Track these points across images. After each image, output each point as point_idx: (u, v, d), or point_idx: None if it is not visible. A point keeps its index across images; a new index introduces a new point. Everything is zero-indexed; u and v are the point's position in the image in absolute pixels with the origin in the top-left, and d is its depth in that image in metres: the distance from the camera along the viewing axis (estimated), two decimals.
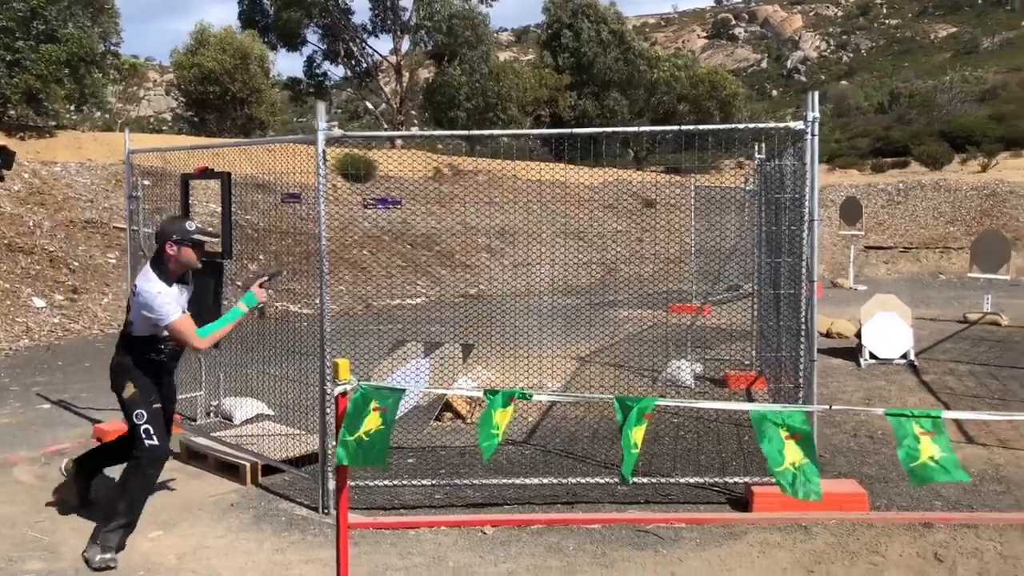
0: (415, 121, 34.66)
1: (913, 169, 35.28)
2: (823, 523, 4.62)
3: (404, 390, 3.00)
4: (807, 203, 4.82)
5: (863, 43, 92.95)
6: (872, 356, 9.00)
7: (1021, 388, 7.75)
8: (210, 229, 4.69)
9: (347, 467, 3.14)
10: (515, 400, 2.88)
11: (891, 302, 9.38)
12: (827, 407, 3.89)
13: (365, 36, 30.50)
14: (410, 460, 5.91)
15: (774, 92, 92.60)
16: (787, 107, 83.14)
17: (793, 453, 2.71)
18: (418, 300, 15.85)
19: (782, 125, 5.10)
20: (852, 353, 9.29)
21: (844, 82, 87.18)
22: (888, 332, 9.03)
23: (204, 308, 5.06)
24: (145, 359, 4.53)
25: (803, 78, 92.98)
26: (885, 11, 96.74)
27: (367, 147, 20.32)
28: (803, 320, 4.88)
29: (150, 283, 4.34)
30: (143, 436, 4.38)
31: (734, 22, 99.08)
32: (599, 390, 7.80)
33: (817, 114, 4.78)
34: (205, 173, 5.55)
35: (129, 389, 4.46)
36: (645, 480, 5.24)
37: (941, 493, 5.10)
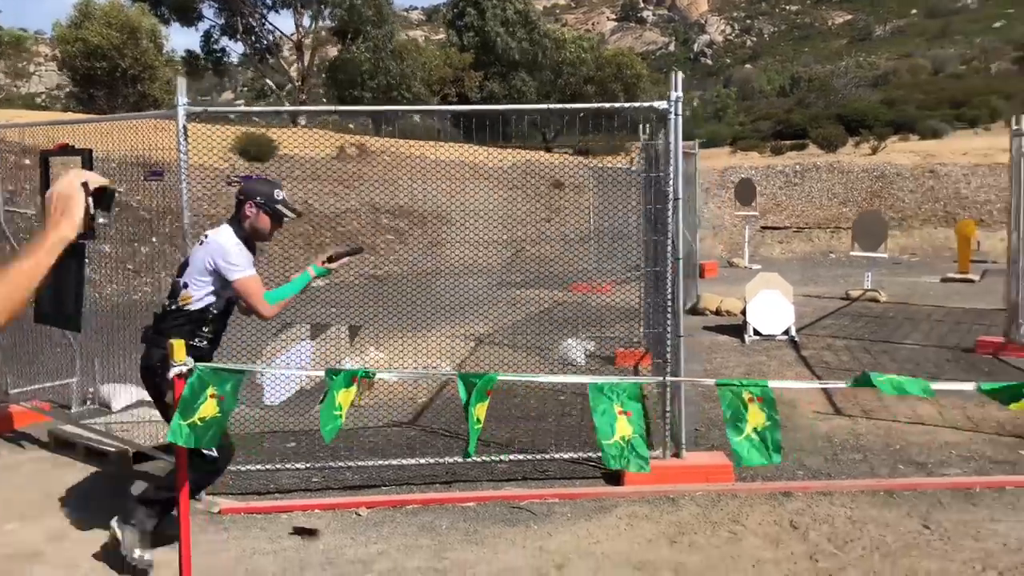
0: (323, 100, 33.93)
1: (811, 151, 36.53)
2: (690, 495, 4.77)
3: (244, 373, 2.94)
4: (671, 183, 4.92)
5: (766, 28, 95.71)
6: (756, 333, 9.32)
7: (891, 361, 8.16)
8: (296, 206, 4.23)
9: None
10: (362, 380, 2.85)
11: (774, 280, 9.72)
12: (661, 379, 4.00)
13: (265, 11, 29.63)
14: (291, 444, 5.83)
15: (682, 75, 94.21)
16: (695, 89, 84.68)
17: (624, 427, 2.79)
18: (318, 282, 15.56)
19: (646, 104, 5.19)
20: (738, 330, 9.60)
21: (748, 66, 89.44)
22: (771, 309, 9.36)
23: (65, 292, 4.83)
24: (190, 346, 3.73)
25: (709, 61, 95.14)
26: None
27: (267, 126, 19.79)
28: (668, 298, 5.00)
29: (223, 235, 3.93)
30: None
31: (642, 5, 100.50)
32: (486, 369, 7.83)
33: (680, 94, 4.89)
34: (65, 150, 5.27)
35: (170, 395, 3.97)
36: (523, 457, 5.31)
37: (805, 463, 5.33)
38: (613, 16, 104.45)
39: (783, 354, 8.58)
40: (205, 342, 3.98)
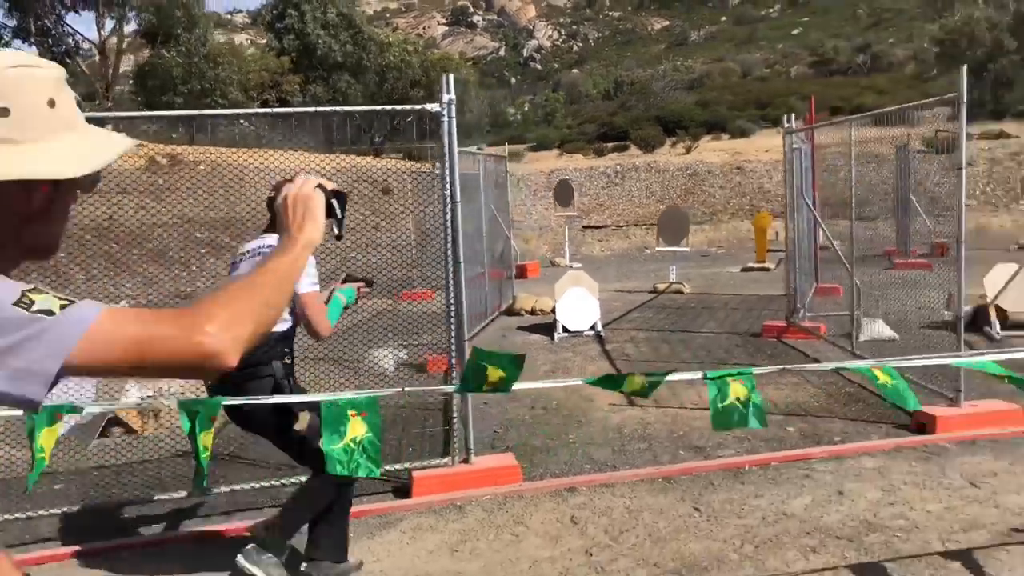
0: (133, 107, 31.83)
1: (631, 152, 38.14)
2: (477, 500, 4.77)
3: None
4: (447, 185, 4.91)
5: (591, 33, 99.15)
6: (565, 330, 9.54)
7: (686, 350, 8.56)
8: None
9: None
10: (62, 416, 2.62)
11: (581, 278, 9.99)
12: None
13: (63, 12, 27.51)
14: (58, 486, 5.36)
15: (513, 80, 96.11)
16: (526, 94, 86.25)
17: (356, 428, 2.73)
18: (122, 303, 14.59)
19: (418, 107, 5.15)
20: (550, 329, 9.79)
21: (575, 71, 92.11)
22: (578, 307, 9.61)
23: None
24: (285, 365, 3.64)
25: (539, 66, 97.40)
26: (608, 3, 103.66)
27: None
28: (450, 303, 4.98)
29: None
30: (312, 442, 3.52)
31: (472, 10, 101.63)
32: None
33: (452, 97, 4.88)
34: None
35: (303, 420, 3.58)
36: (287, 481, 5.12)
37: (593, 456, 5.47)
38: (444, 21, 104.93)
39: (588, 349, 8.82)
40: (291, 361, 3.73)
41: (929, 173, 24.56)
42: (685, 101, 54.65)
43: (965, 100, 5.61)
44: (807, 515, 4.32)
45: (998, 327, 8.26)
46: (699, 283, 13.25)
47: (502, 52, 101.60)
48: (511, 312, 11.27)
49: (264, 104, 29.87)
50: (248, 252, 3.71)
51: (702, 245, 21.47)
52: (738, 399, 3.45)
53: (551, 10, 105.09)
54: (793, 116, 9.39)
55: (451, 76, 4.95)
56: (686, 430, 5.89)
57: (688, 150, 33.96)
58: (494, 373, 3.35)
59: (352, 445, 2.73)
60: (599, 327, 9.56)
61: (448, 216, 4.92)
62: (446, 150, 4.86)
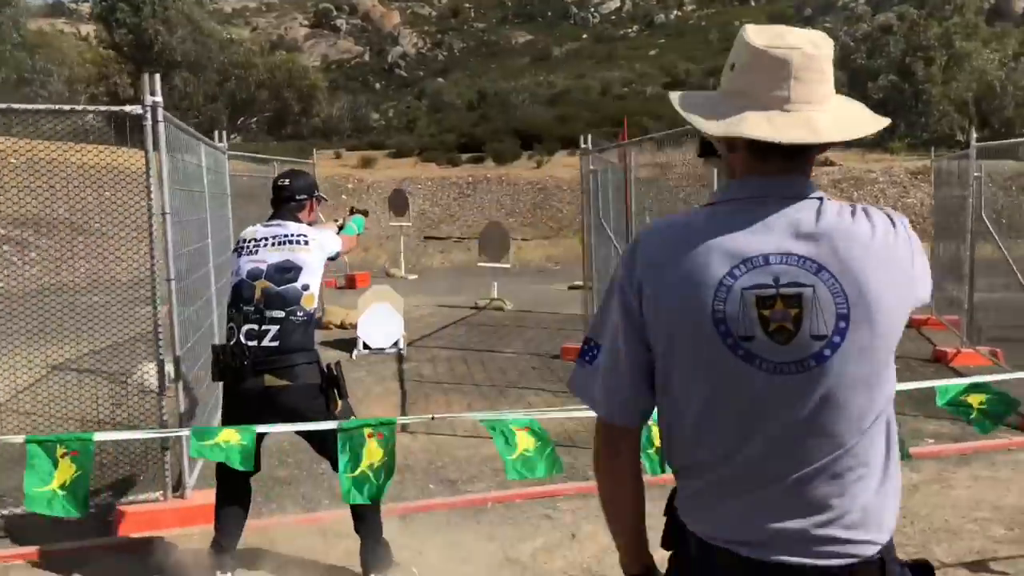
0: None
1: (486, 165, 38.14)
2: (184, 538, 4.28)
3: None
4: (153, 196, 4.41)
5: (456, 43, 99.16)
6: (366, 346, 9.11)
7: (483, 371, 8.33)
8: None
9: None
10: None
11: (386, 293, 9.61)
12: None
13: None
14: None
15: (377, 85, 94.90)
16: (390, 100, 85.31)
17: (65, 470, 2.49)
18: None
19: (116, 108, 4.64)
20: (352, 344, 9.34)
21: (440, 79, 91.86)
22: (381, 323, 9.21)
23: None
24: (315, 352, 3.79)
25: (404, 73, 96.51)
26: (473, 15, 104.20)
27: None
28: (157, 324, 4.48)
29: (312, 231, 3.83)
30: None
31: (335, 13, 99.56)
32: (54, 402, 6.77)
33: (158, 99, 4.39)
34: None
35: (337, 404, 3.67)
36: None
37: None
38: (306, 23, 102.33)
39: (384, 368, 8.44)
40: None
41: None
42: (544, 116, 55.47)
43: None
44: (532, 561, 4.09)
45: None
46: (524, 300, 13.13)
47: (367, 57, 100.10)
48: (318, 325, 10.73)
49: (92, 98, 27.93)
50: (267, 239, 3.74)
51: (541, 261, 21.59)
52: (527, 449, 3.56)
53: (416, 18, 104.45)
54: (590, 137, 9.35)
55: (156, 76, 4.44)
56: (446, 461, 5.60)
57: (539, 164, 34.25)
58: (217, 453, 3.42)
59: (57, 490, 2.40)
60: (401, 344, 9.19)
61: (156, 230, 4.42)
62: (149, 156, 4.36)
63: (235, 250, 3.86)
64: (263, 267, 3.64)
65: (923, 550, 4.25)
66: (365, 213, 4.58)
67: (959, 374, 7.89)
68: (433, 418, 4.15)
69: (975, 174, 7.89)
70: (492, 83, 78.27)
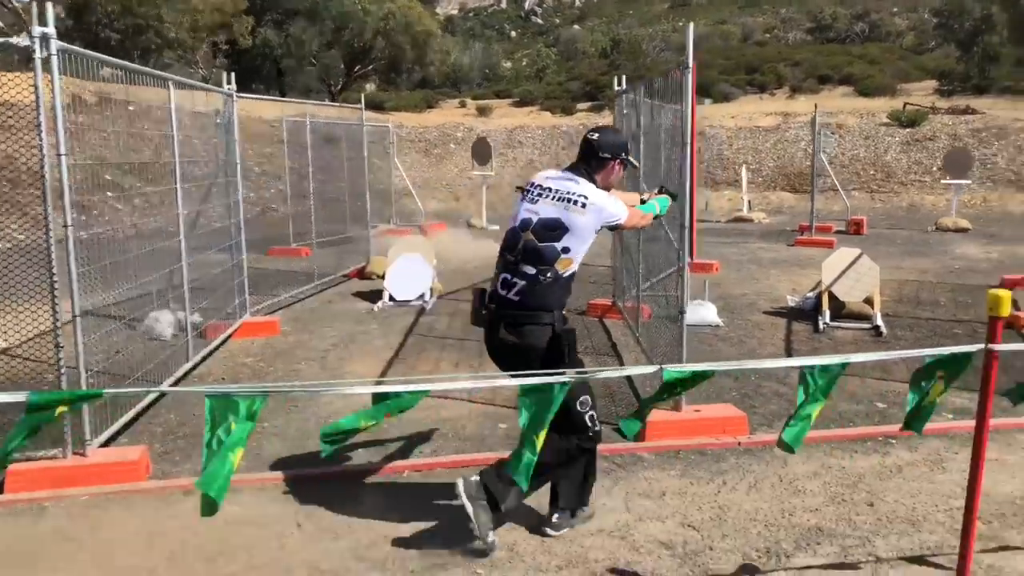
0: (77, 40, 30.79)
1: (604, 114, 37.05)
2: (73, 500, 4.15)
3: None
4: (43, 135, 4.20)
5: None
6: (391, 298, 8.88)
7: None
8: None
9: None
10: None
11: (418, 244, 9.31)
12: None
13: None
14: None
15: (513, 33, 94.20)
16: (524, 48, 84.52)
17: None
18: (9, 244, 13.97)
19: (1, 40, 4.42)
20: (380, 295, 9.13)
21: (576, 26, 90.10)
22: (409, 274, 8.94)
23: None
24: (564, 315, 3.60)
25: (540, 20, 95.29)
26: None
27: None
28: (52, 271, 4.29)
29: (598, 195, 3.58)
30: (590, 422, 3.56)
31: None
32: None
33: (49, 30, 4.14)
34: None
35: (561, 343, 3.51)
36: None
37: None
38: None
39: (399, 321, 8.16)
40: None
41: (890, 146, 23.63)
42: (674, 62, 53.35)
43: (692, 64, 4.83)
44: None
45: (827, 316, 7.55)
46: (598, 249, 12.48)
47: (503, 4, 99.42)
48: (364, 276, 10.62)
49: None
50: (550, 191, 3.58)
51: None
52: None
53: None
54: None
55: (48, 6, 4.18)
56: (396, 422, 5.24)
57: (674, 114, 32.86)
58: None
59: None
60: (427, 297, 8.89)
61: (47, 173, 4.22)
62: (39, 92, 4.14)
63: (521, 190, 3.73)
64: (534, 219, 3.55)
65: (865, 543, 3.58)
66: (674, 197, 4.20)
67: None
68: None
69: None
70: (627, 30, 76.05)
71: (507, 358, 3.56)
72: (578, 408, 3.51)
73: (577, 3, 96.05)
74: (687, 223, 5.04)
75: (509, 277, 3.53)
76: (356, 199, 12.81)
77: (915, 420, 2.91)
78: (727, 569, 3.42)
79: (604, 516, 3.86)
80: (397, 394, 2.51)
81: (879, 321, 7.37)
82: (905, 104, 26.39)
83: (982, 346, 2.69)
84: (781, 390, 5.76)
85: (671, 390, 2.80)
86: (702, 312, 7.71)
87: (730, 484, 4.26)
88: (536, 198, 3.59)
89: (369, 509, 4.00)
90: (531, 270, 3.48)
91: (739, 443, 4.75)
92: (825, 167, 17.02)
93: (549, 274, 3.47)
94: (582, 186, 3.58)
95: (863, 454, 4.66)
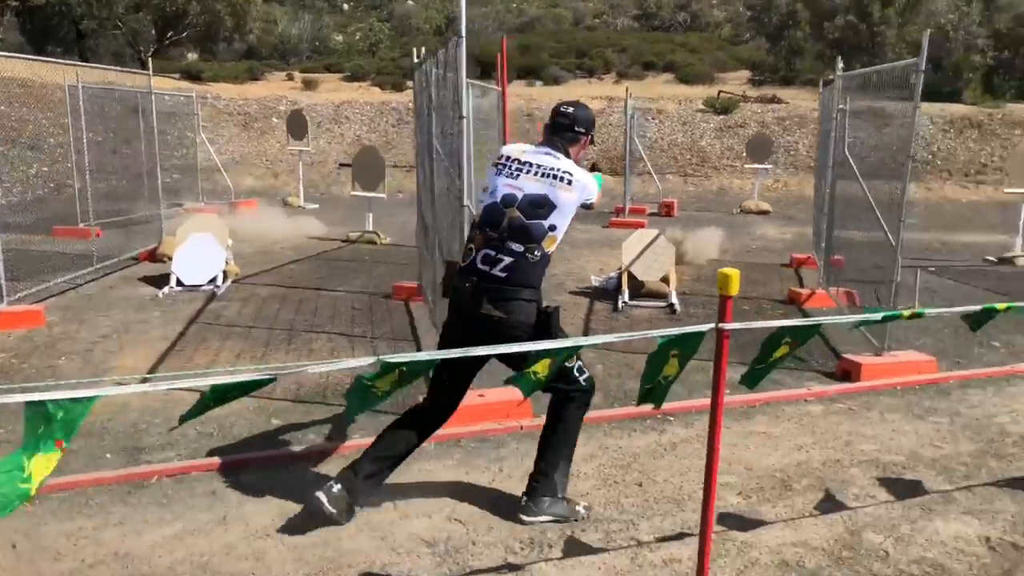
0: None
1: None
2: None
3: None
4: None
5: None
6: (179, 283, 8.21)
7: (294, 312, 7.47)
8: None
9: None
10: None
11: (210, 223, 8.68)
12: None
13: None
14: None
15: (345, 6, 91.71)
16: (357, 22, 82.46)
17: None
18: None
19: None
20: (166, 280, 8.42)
21: (411, 2, 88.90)
22: (201, 256, 8.30)
23: None
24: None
25: None
26: None
27: None
28: None
29: (578, 170, 3.57)
30: (578, 373, 3.63)
31: None
32: None
33: None
34: None
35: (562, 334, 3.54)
36: None
37: None
38: None
39: (184, 309, 7.53)
40: None
41: (705, 132, 24.77)
42: (508, 44, 53.83)
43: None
44: (147, 553, 3.31)
45: (627, 296, 7.67)
46: (401, 234, 12.20)
47: None
48: (155, 258, 9.81)
49: (2, 3, 26.05)
50: (531, 166, 3.54)
51: None
52: None
53: None
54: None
55: None
56: (148, 423, 4.77)
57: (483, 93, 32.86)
58: None
59: None
60: (219, 282, 8.29)
61: None
62: None
63: (494, 165, 3.61)
64: (519, 195, 3.48)
65: (629, 527, 3.56)
66: (599, 169, 4.18)
67: (806, 315, 7.20)
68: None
69: (839, 107, 7.06)
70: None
71: (486, 332, 3.41)
72: (569, 367, 3.57)
73: None
74: (464, 202, 4.84)
75: (493, 254, 3.46)
76: (154, 175, 11.85)
77: (650, 395, 2.91)
78: (487, 564, 3.28)
79: (370, 514, 3.63)
80: (57, 406, 2.10)
81: (674, 299, 7.56)
82: (719, 92, 27.73)
83: (712, 326, 2.65)
84: None
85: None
86: None
87: (507, 471, 4.13)
88: (516, 173, 3.53)
89: (102, 523, 3.57)
90: (518, 247, 3.45)
91: (521, 427, 4.65)
92: (640, 150, 17.51)
93: (536, 252, 3.45)
94: (563, 162, 3.57)
95: (641, 432, 4.68)
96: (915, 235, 13.51)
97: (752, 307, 7.83)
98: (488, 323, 3.44)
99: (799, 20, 34.89)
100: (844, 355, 5.86)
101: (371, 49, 65.64)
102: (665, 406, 4.98)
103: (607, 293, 8.14)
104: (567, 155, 3.62)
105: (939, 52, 24.83)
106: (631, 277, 7.76)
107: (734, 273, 2.51)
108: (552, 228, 3.47)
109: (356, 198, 18.64)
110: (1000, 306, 3.36)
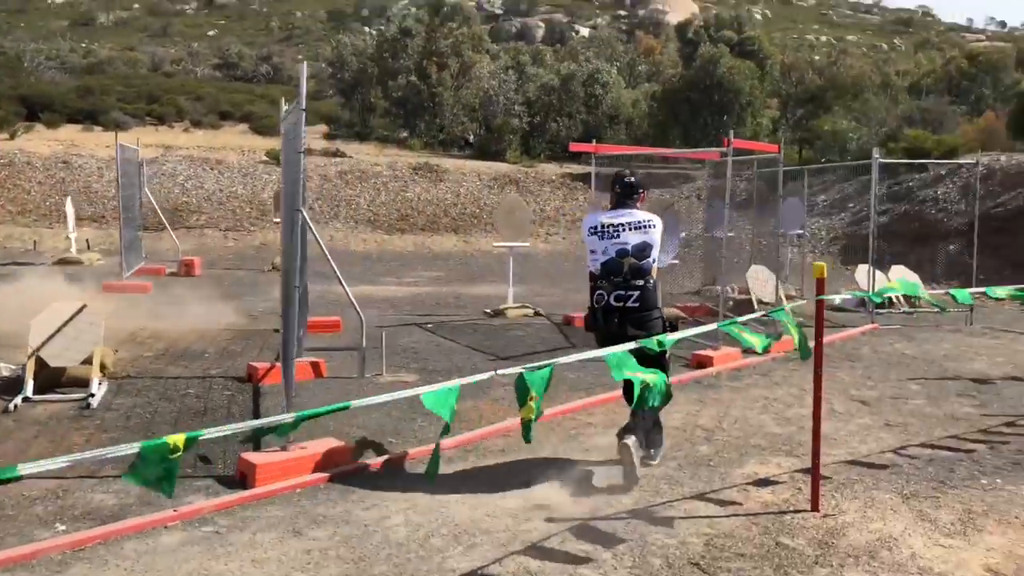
0: None
1: None
2: None
3: None
4: None
5: None
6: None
7: None
8: None
9: None
10: None
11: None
12: None
13: None
14: None
15: None
16: None
17: None
18: None
19: None
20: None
21: None
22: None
23: None
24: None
25: None
26: None
27: None
28: None
29: (647, 212, 4.95)
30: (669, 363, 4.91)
31: None
32: None
33: None
34: None
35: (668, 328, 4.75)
36: None
37: None
38: None
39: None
40: None
41: (267, 184, 23.62)
42: (68, 85, 48.32)
43: None
44: None
45: (29, 389, 5.99)
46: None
47: None
48: None
49: None
50: (624, 225, 4.81)
51: None
52: None
53: None
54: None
55: None
56: None
57: (12, 136, 28.43)
58: None
59: None
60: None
61: None
62: None
63: (592, 233, 4.85)
64: (628, 247, 4.74)
65: None
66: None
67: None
68: None
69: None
70: (16, 44, 66.60)
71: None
72: (665, 359, 4.70)
73: None
74: None
75: (623, 292, 4.71)
76: None
77: None
78: None
79: None
80: None
81: (94, 389, 6.06)
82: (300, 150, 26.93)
83: None
84: None
85: None
86: None
87: None
88: (616, 233, 4.79)
89: None
90: (640, 282, 4.73)
91: None
92: (152, 203, 15.68)
93: (651, 282, 4.76)
94: (644, 214, 4.89)
95: None
96: (435, 288, 13.59)
97: (198, 389, 6.57)
98: (641, 320, 4.71)
99: (371, 78, 35.69)
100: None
101: None
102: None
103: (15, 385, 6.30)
104: (638, 208, 4.90)
105: (486, 115, 26.77)
106: (41, 363, 6.11)
107: None
108: (653, 261, 4.76)
109: None
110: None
